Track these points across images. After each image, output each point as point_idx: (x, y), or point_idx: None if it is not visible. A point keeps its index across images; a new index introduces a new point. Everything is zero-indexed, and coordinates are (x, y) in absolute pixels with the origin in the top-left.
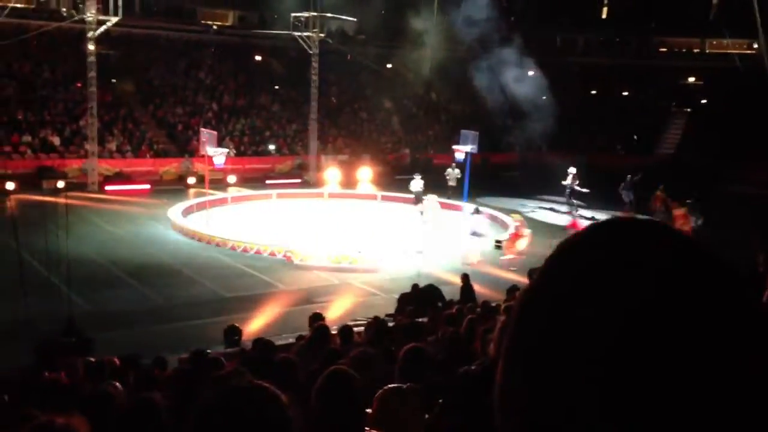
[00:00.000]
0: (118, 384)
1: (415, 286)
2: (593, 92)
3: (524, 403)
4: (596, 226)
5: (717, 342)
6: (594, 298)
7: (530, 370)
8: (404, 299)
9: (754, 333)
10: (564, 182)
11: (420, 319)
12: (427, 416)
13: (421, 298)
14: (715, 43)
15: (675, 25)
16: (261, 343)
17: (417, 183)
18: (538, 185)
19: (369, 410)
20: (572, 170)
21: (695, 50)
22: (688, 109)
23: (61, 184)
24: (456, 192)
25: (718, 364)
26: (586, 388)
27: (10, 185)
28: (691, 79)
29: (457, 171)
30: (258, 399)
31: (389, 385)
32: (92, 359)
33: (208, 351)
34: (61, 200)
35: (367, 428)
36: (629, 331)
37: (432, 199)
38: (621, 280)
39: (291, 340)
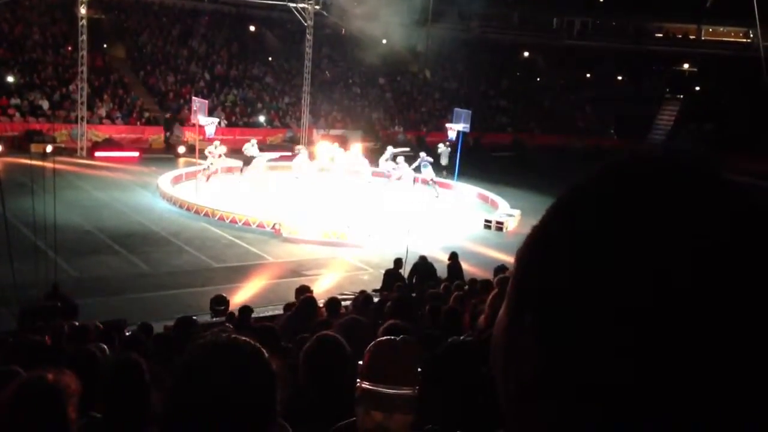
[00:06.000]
0: (103, 345)
1: (397, 261)
2: (588, 75)
3: (538, 360)
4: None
5: None
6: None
7: (553, 316)
8: (390, 274)
9: None
10: None
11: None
12: (420, 370)
13: (416, 272)
14: (711, 30)
15: (672, 11)
16: (244, 309)
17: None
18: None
19: (360, 362)
20: None
21: (691, 37)
22: (681, 96)
23: (49, 148)
24: (450, 171)
25: None
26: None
27: None
28: (686, 66)
29: (449, 149)
30: (240, 352)
31: (381, 338)
32: (76, 323)
33: (195, 318)
34: (49, 165)
35: (358, 381)
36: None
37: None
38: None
39: (278, 311)
